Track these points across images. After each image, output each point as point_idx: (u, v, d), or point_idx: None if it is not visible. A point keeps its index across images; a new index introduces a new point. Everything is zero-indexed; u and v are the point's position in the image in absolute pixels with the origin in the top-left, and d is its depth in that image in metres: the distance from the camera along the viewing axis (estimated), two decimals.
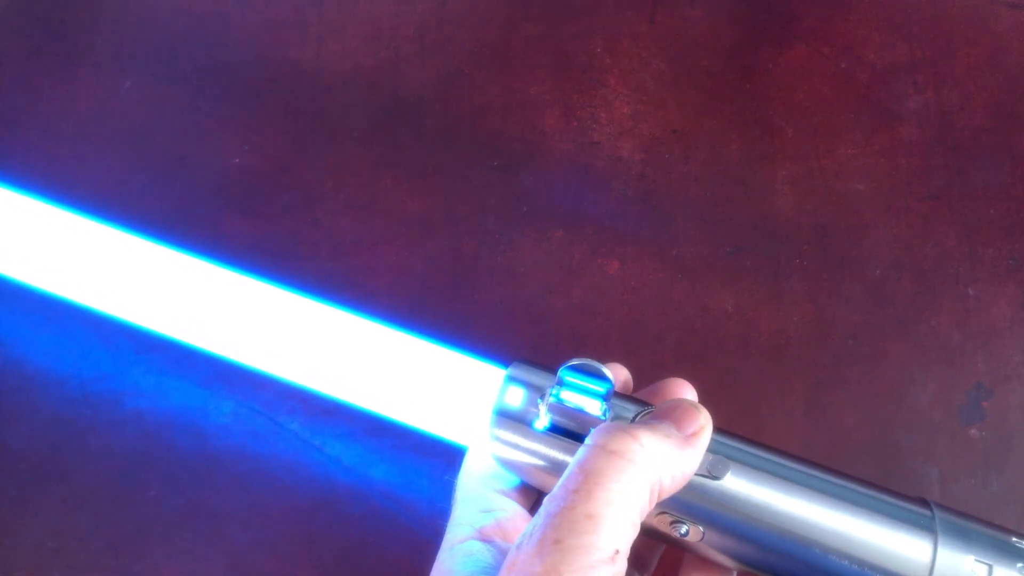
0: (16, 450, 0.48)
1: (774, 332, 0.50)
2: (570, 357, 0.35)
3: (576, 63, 0.56)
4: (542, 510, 0.29)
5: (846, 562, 0.32)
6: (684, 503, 0.33)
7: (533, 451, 0.35)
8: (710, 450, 0.33)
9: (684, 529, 0.34)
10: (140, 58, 0.57)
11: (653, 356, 0.50)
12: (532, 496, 0.37)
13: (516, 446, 0.35)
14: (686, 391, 0.37)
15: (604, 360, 0.36)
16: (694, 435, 0.32)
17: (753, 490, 0.33)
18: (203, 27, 0.57)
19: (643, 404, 0.35)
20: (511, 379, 0.36)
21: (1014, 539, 0.33)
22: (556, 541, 0.27)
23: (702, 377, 0.50)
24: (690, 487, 0.33)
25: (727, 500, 0.33)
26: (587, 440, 0.31)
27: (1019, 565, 0.33)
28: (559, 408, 0.35)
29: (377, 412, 0.41)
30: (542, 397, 0.35)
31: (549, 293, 0.51)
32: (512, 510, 0.35)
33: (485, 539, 0.33)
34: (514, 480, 0.36)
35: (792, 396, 0.49)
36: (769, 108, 0.55)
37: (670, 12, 0.57)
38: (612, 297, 0.51)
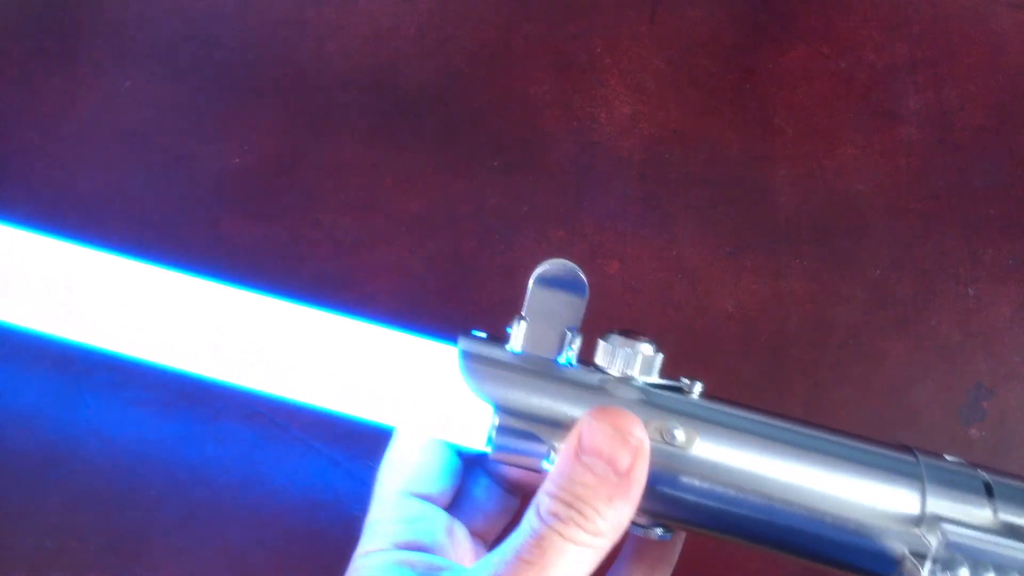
0: (16, 451, 0.48)
1: (774, 332, 0.50)
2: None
3: (576, 63, 0.56)
4: (489, 568, 0.29)
5: (834, 521, 0.32)
6: (657, 496, 0.32)
7: (509, 374, 0.33)
8: (678, 414, 0.33)
9: (660, 531, 0.34)
10: (140, 58, 0.57)
11: None
12: (450, 498, 0.37)
13: (489, 374, 0.33)
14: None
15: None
16: (629, 473, 0.31)
17: (725, 456, 0.33)
18: (203, 27, 0.57)
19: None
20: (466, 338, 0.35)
21: (983, 472, 0.33)
22: None
23: (702, 377, 0.50)
24: (659, 464, 0.32)
25: (698, 470, 0.32)
26: (541, 506, 0.30)
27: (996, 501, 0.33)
28: (533, 323, 0.34)
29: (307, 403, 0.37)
30: (515, 322, 0.34)
31: None
32: (429, 519, 0.35)
33: (400, 551, 0.33)
34: (436, 483, 0.36)
35: (792, 396, 0.49)
36: (769, 108, 0.55)
37: (670, 12, 0.57)
38: (612, 297, 0.51)
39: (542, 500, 0.30)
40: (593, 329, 0.50)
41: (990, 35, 0.56)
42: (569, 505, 0.30)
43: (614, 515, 0.30)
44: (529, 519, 0.30)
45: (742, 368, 0.49)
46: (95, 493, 0.47)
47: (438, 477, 0.36)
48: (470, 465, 0.38)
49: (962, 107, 0.54)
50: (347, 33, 0.57)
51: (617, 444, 0.31)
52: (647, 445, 0.31)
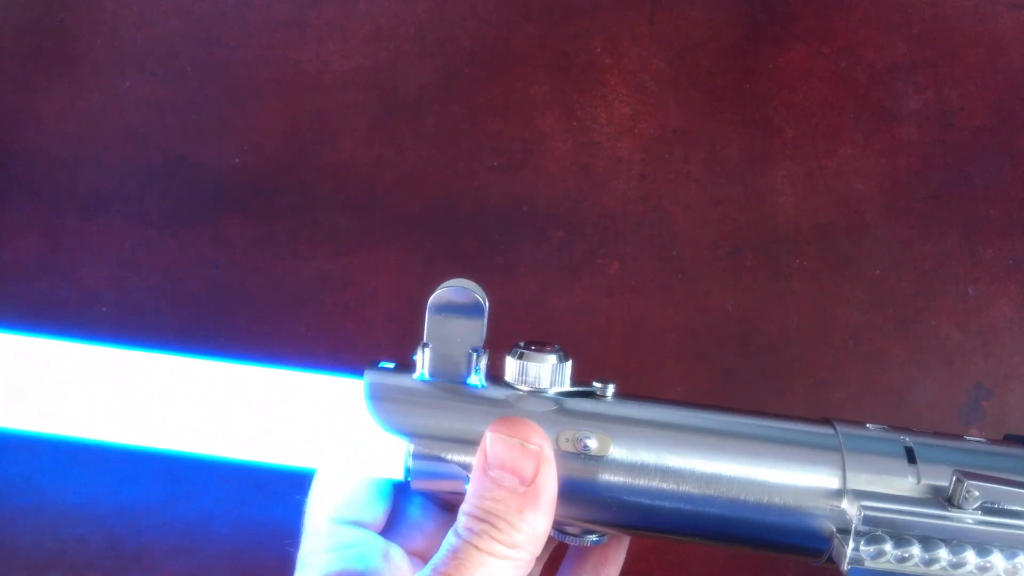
0: (18, 453, 0.48)
1: (774, 332, 0.50)
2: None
3: (576, 63, 0.56)
4: None
5: (758, 506, 0.32)
6: (581, 505, 0.32)
7: (418, 402, 0.33)
8: (592, 419, 0.33)
9: (594, 538, 0.34)
10: (140, 58, 0.57)
11: (653, 356, 0.50)
12: (384, 521, 0.36)
13: (398, 405, 0.33)
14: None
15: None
16: (535, 481, 0.31)
17: (642, 456, 0.32)
18: (203, 27, 0.57)
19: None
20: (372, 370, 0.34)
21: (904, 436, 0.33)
22: None
23: (702, 377, 0.50)
24: (576, 474, 0.32)
25: (617, 474, 0.32)
26: (459, 524, 0.31)
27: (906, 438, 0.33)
28: (437, 349, 0.33)
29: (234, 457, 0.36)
30: (419, 349, 0.34)
31: (549, 293, 0.51)
32: (362, 544, 0.34)
33: None
34: (367, 508, 0.35)
35: (792, 396, 0.49)
36: (769, 108, 0.55)
37: (670, 12, 0.57)
38: (612, 297, 0.51)
39: (459, 519, 0.31)
40: (596, 329, 0.50)
41: (990, 35, 0.56)
42: (482, 520, 0.30)
43: (527, 527, 0.30)
44: (448, 538, 0.31)
45: (742, 368, 0.49)
46: (95, 494, 0.47)
47: (369, 502, 0.35)
48: (401, 486, 0.38)
49: (962, 107, 0.54)
50: (347, 33, 0.57)
51: (517, 454, 0.31)
52: (549, 450, 0.32)
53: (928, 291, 0.51)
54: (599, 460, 0.32)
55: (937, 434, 0.34)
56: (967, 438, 0.34)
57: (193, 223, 0.53)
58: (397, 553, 0.36)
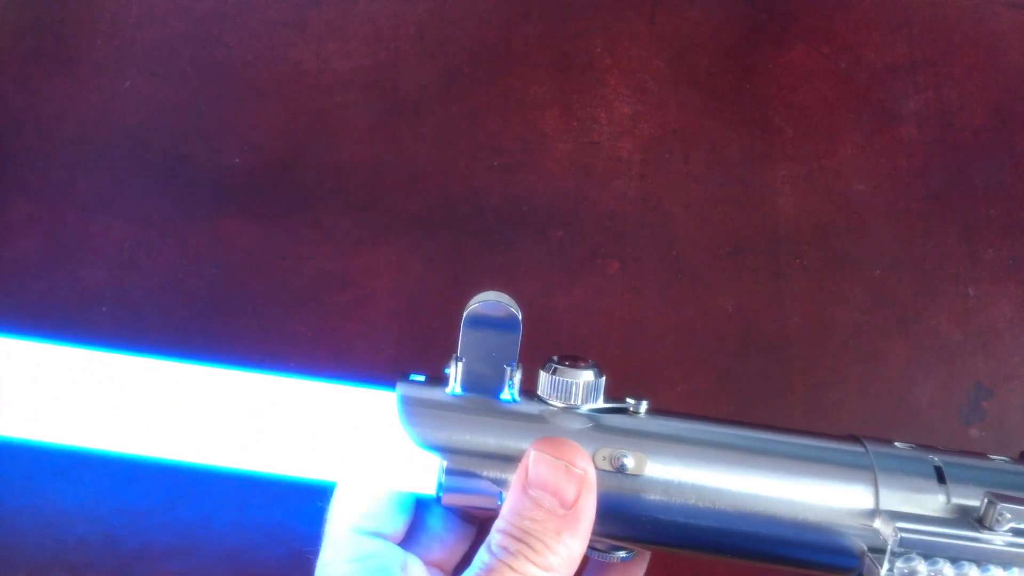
0: (18, 456, 0.48)
1: (774, 332, 0.50)
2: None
3: (576, 63, 0.56)
4: None
5: (791, 524, 0.32)
6: (614, 522, 0.32)
7: (451, 417, 0.33)
8: (627, 436, 0.33)
9: (623, 554, 0.34)
10: (140, 58, 0.57)
11: (653, 356, 0.50)
12: (404, 532, 0.36)
13: (431, 419, 0.33)
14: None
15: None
16: (576, 505, 0.31)
17: (677, 473, 0.32)
18: (203, 27, 0.57)
19: None
20: (405, 382, 0.34)
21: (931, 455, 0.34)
22: None
23: (702, 377, 0.50)
24: (613, 492, 0.32)
25: (652, 492, 0.32)
26: (493, 541, 0.30)
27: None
28: (471, 367, 0.33)
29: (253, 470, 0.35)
30: (452, 363, 0.34)
31: (549, 293, 0.51)
32: (382, 555, 0.34)
33: None
34: (388, 519, 0.35)
35: (792, 396, 0.49)
36: (769, 108, 0.55)
37: (670, 12, 0.57)
38: (612, 297, 0.51)
39: (493, 536, 0.30)
40: (596, 329, 0.50)
41: (990, 35, 0.56)
42: (518, 539, 0.30)
43: (564, 550, 0.30)
44: (481, 554, 0.30)
45: (742, 368, 0.49)
46: (96, 495, 0.47)
47: (390, 513, 0.35)
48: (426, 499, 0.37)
49: (962, 107, 0.54)
50: (347, 33, 0.57)
51: (561, 476, 0.31)
52: (592, 474, 0.31)
53: (928, 291, 0.51)
54: (636, 478, 0.32)
55: (963, 452, 0.35)
56: (992, 457, 0.35)
57: (193, 223, 0.53)
58: (416, 564, 0.36)
